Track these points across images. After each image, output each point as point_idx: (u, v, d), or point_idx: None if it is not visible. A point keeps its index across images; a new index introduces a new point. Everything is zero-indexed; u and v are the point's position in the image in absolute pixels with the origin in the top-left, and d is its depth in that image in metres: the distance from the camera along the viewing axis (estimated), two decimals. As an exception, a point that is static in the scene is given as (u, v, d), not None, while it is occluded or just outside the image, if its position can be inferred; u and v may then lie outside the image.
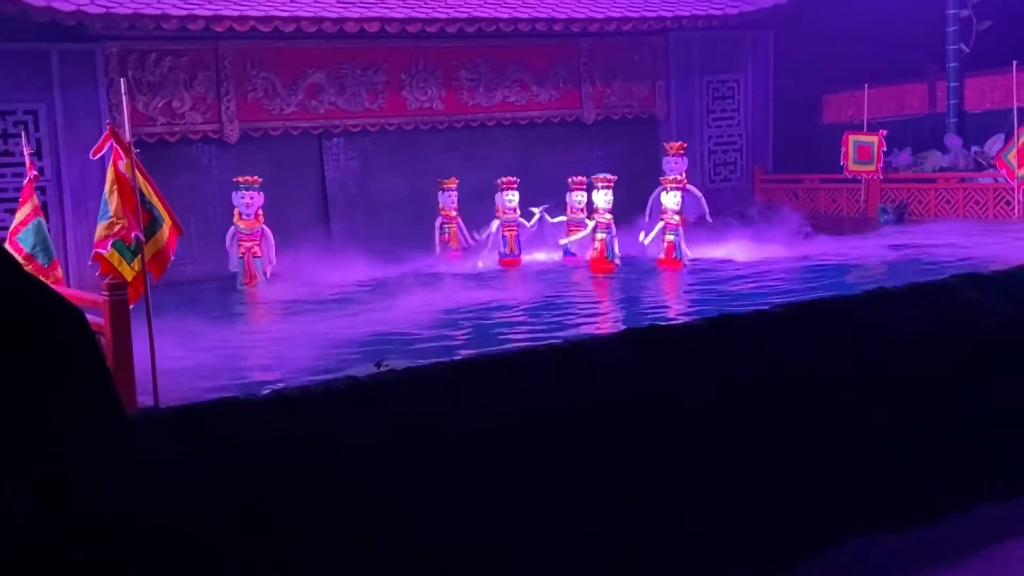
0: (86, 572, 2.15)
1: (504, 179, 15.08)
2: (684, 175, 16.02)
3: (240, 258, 13.88)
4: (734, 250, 14.39)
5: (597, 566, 2.81)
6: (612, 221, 13.61)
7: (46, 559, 2.09)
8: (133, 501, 2.28)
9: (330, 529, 2.50)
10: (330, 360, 8.71)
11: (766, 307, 3.55)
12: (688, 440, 2.99)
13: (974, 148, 17.64)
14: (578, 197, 14.80)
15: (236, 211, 14.00)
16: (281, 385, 6.96)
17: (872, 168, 17.30)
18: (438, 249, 15.48)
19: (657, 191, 14.35)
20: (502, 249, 14.90)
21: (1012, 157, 15.49)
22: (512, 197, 14.91)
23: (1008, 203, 15.91)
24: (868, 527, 3.24)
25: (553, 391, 2.90)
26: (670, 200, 13.77)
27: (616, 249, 13.66)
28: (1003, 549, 3.32)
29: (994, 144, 17.08)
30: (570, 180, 15.21)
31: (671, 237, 13.75)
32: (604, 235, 13.51)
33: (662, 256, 13.80)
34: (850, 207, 18.03)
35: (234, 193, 14.04)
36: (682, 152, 16.18)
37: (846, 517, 3.22)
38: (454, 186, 15.57)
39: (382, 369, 5.73)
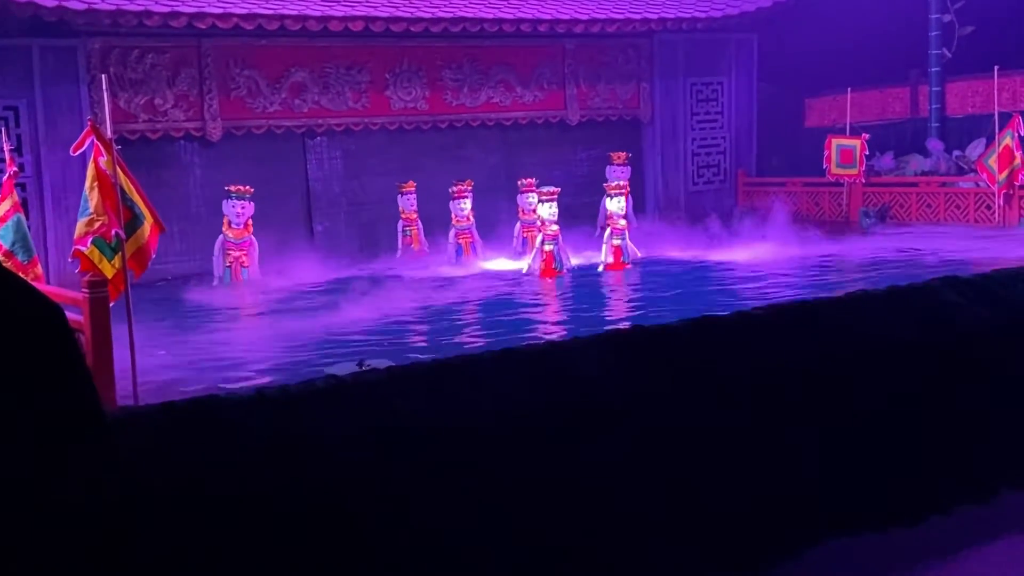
0: (63, 568, 2.13)
1: (456, 187, 15.08)
2: (627, 183, 16.35)
3: (228, 267, 13.82)
4: (744, 251, 14.46)
5: (575, 564, 2.82)
6: (559, 232, 13.73)
7: (22, 556, 2.08)
8: (112, 499, 2.26)
9: (310, 526, 2.49)
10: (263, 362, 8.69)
11: (747, 309, 3.57)
12: (666, 440, 3.00)
13: (955, 152, 17.75)
14: (530, 199, 14.91)
15: (225, 220, 13.90)
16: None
17: (854, 172, 17.38)
18: (399, 252, 15.52)
19: (603, 199, 14.66)
20: (455, 256, 14.94)
21: (993, 162, 15.59)
22: (465, 205, 14.94)
23: (989, 207, 16.02)
24: (847, 528, 3.25)
25: (533, 390, 2.90)
26: (615, 205, 14.04)
27: (563, 259, 13.77)
28: (981, 551, 3.33)
29: (975, 149, 17.19)
30: (520, 182, 15.31)
31: (617, 241, 13.99)
32: (551, 246, 13.63)
33: (610, 260, 13.96)
34: (832, 210, 18.11)
35: (225, 202, 13.92)
36: (626, 162, 16.67)
37: (825, 518, 3.24)
38: (412, 189, 15.61)
39: (364, 368, 5.73)
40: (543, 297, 12.67)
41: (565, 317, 11.32)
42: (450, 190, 15.10)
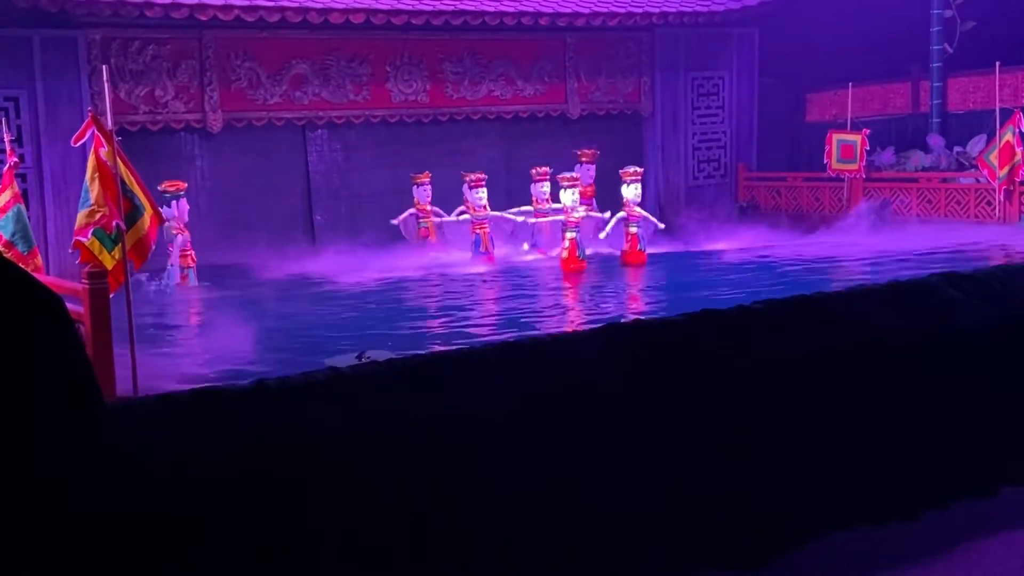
0: (58, 559, 2.13)
1: (473, 176, 14.93)
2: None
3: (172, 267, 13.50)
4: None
5: (576, 559, 2.82)
6: (581, 220, 13.58)
7: (16, 547, 2.08)
8: (109, 490, 2.26)
9: (309, 520, 2.49)
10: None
11: (748, 303, 3.56)
12: (668, 433, 3.00)
13: (956, 148, 17.74)
14: (543, 188, 14.80)
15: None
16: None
17: (855, 167, 17.38)
18: (413, 241, 15.45)
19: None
20: (476, 248, 14.85)
21: (994, 158, 15.58)
22: (482, 194, 14.80)
23: (989, 204, 16.01)
24: (846, 522, 3.25)
25: (534, 384, 2.90)
26: (631, 192, 13.76)
27: (585, 248, 13.63)
28: (981, 546, 3.34)
29: (976, 145, 17.18)
30: (534, 171, 15.21)
31: (634, 229, 13.72)
32: (574, 234, 13.44)
33: (626, 248, 13.75)
34: (832, 206, 18.11)
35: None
36: (592, 160, 16.36)
37: (823, 512, 3.24)
38: (427, 180, 15.54)
39: (364, 361, 5.73)
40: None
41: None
42: (467, 179, 14.95)
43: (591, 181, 16.14)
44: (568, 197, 13.45)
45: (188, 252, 13.54)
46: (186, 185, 13.75)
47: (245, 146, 15.32)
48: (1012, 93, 16.97)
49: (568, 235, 13.43)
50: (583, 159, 16.37)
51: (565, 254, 13.42)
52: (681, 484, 3.01)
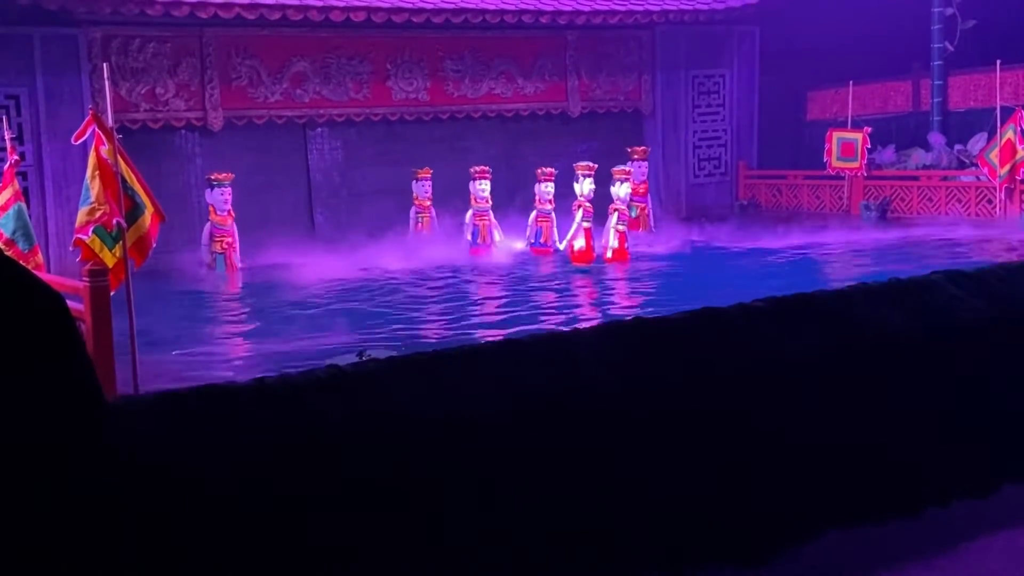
0: (59, 554, 2.14)
1: (477, 168, 15.06)
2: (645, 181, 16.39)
3: (221, 254, 13.91)
4: None
5: (576, 555, 2.82)
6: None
7: (16, 545, 2.08)
8: (109, 488, 2.26)
9: (309, 516, 2.49)
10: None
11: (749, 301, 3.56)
12: (666, 431, 3.00)
13: (957, 146, 17.73)
14: (546, 188, 14.82)
15: (212, 207, 14.03)
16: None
17: (855, 165, 17.38)
18: (411, 232, 15.52)
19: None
20: (471, 238, 14.91)
21: (994, 156, 15.57)
22: (484, 187, 14.90)
23: (990, 202, 16.00)
24: (846, 520, 3.25)
25: (533, 381, 2.90)
26: (621, 191, 13.84)
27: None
28: (981, 544, 3.34)
29: (977, 143, 17.17)
30: (539, 171, 15.23)
31: (623, 227, 13.77)
32: (590, 224, 13.59)
33: (615, 246, 13.77)
34: (833, 204, 18.11)
35: (208, 191, 14.05)
36: (646, 157, 16.57)
37: (824, 510, 3.24)
38: (428, 176, 15.60)
39: (364, 359, 5.72)
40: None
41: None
42: (471, 171, 15.11)
43: (644, 178, 16.33)
44: (587, 186, 13.59)
45: (220, 239, 14.01)
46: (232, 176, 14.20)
47: (246, 144, 15.31)
48: (1013, 91, 16.96)
49: (585, 225, 13.58)
50: (635, 156, 16.53)
51: (583, 245, 13.55)
52: (681, 482, 3.01)
